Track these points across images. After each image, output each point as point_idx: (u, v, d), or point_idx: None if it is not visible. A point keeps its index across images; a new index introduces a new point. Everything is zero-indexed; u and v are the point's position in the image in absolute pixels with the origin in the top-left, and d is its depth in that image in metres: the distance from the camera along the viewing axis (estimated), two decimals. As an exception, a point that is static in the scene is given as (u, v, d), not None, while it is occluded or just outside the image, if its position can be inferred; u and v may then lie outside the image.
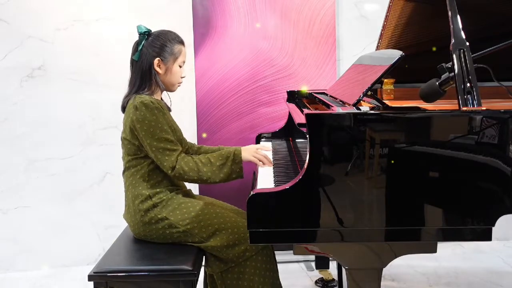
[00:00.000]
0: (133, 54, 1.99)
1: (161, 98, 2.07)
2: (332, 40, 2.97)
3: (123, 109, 2.01)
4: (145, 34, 1.97)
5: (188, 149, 2.22)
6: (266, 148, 2.19)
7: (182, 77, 2.05)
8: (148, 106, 1.87)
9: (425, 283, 2.71)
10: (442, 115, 1.49)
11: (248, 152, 1.96)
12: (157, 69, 1.96)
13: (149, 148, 1.88)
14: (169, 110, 2.10)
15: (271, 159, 2.04)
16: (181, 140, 2.04)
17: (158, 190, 1.94)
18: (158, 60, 1.96)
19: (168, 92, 2.08)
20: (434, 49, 2.18)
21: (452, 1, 1.66)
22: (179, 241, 1.93)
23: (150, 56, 1.95)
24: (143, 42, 1.96)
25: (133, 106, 1.89)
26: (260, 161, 1.97)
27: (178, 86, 2.06)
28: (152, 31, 2.00)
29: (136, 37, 1.99)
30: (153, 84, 1.98)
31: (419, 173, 1.47)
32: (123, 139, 1.98)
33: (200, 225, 1.91)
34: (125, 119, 1.96)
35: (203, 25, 2.91)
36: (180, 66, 2.02)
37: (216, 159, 1.91)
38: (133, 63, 2.00)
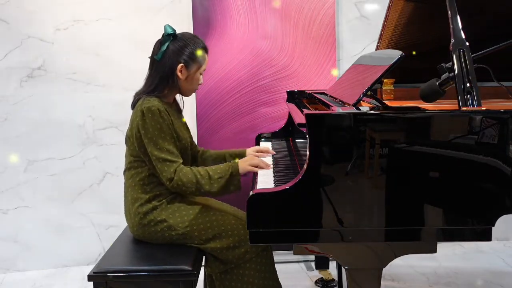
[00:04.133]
0: (155, 53, 1.94)
1: (174, 99, 2.05)
2: (332, 40, 2.97)
3: (133, 106, 1.97)
4: (170, 36, 1.92)
5: (196, 153, 2.21)
6: (265, 150, 2.19)
7: (199, 84, 2.01)
8: (154, 114, 1.83)
9: (425, 283, 2.71)
10: (442, 115, 1.49)
11: (244, 163, 1.91)
12: (179, 74, 1.91)
13: (150, 156, 1.85)
14: (180, 112, 2.10)
15: (270, 162, 2.03)
16: (186, 147, 2.00)
17: (158, 193, 1.93)
18: (182, 66, 1.91)
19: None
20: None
21: (452, 1, 1.66)
22: (178, 243, 1.92)
23: (174, 60, 1.90)
24: (167, 43, 1.91)
25: (140, 110, 1.85)
26: (257, 167, 1.92)
27: (194, 92, 2.04)
28: (177, 32, 1.95)
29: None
30: (170, 88, 1.94)
31: (419, 173, 1.47)
32: (128, 137, 1.96)
33: (200, 227, 1.91)
34: (132, 118, 1.93)
35: (203, 25, 2.91)
36: (201, 74, 1.98)
37: (214, 172, 1.86)
38: (153, 62, 1.95)
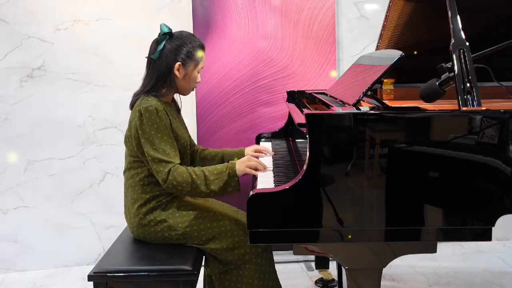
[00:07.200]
0: (151, 52, 1.93)
1: (173, 99, 2.05)
2: (332, 40, 2.97)
3: (131, 106, 1.97)
4: (167, 34, 1.91)
5: (195, 152, 2.21)
6: (263, 149, 2.18)
7: (197, 82, 2.01)
8: (152, 114, 1.82)
9: (425, 283, 2.71)
10: (442, 115, 1.49)
11: (241, 164, 1.85)
12: (176, 73, 1.91)
13: (146, 156, 1.84)
14: (179, 111, 2.10)
15: (270, 162, 2.02)
16: (185, 147, 2.00)
17: (157, 193, 1.93)
18: (179, 64, 1.90)
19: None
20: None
21: (452, 1, 1.66)
22: (178, 243, 1.92)
23: (171, 59, 1.90)
24: (164, 42, 1.90)
25: (138, 110, 1.85)
26: (255, 169, 1.87)
27: (192, 90, 2.04)
28: (173, 31, 1.94)
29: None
30: (168, 87, 1.94)
31: (419, 173, 1.47)
32: (127, 137, 1.96)
33: (200, 228, 1.91)
34: (130, 119, 1.93)
35: (203, 25, 2.91)
36: (198, 72, 1.98)
37: (210, 173, 1.82)
38: (150, 62, 1.95)
